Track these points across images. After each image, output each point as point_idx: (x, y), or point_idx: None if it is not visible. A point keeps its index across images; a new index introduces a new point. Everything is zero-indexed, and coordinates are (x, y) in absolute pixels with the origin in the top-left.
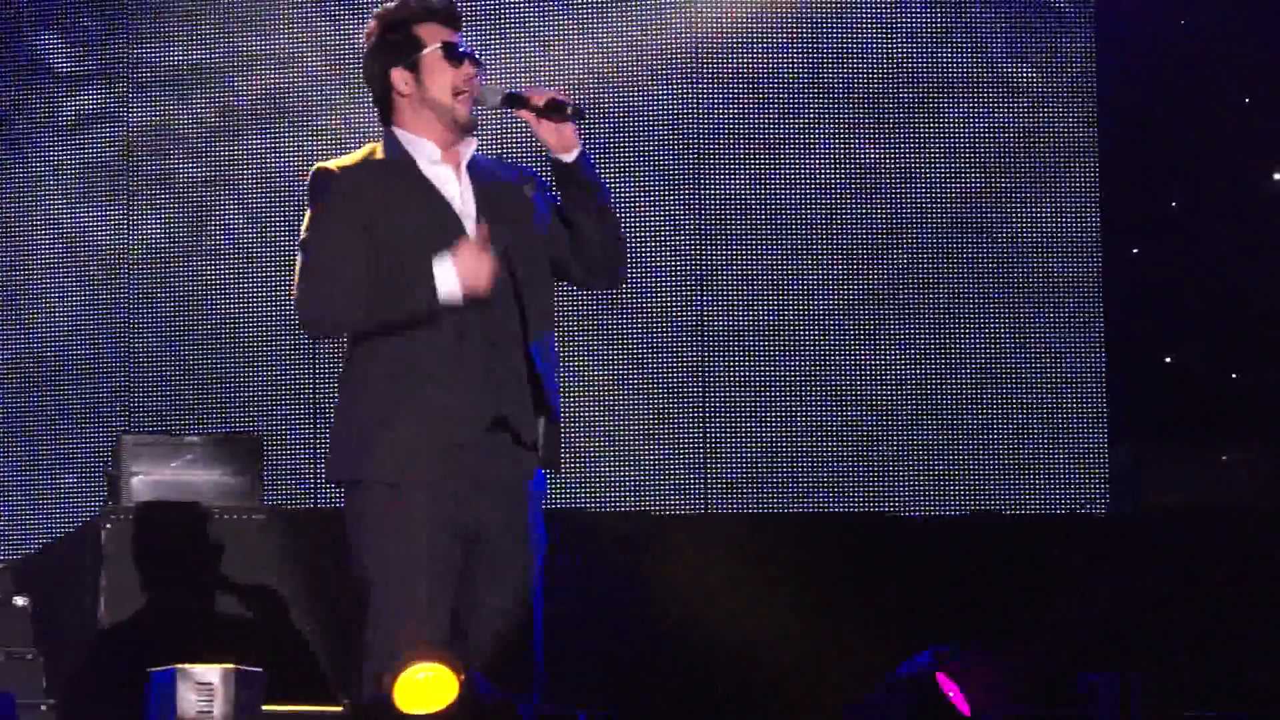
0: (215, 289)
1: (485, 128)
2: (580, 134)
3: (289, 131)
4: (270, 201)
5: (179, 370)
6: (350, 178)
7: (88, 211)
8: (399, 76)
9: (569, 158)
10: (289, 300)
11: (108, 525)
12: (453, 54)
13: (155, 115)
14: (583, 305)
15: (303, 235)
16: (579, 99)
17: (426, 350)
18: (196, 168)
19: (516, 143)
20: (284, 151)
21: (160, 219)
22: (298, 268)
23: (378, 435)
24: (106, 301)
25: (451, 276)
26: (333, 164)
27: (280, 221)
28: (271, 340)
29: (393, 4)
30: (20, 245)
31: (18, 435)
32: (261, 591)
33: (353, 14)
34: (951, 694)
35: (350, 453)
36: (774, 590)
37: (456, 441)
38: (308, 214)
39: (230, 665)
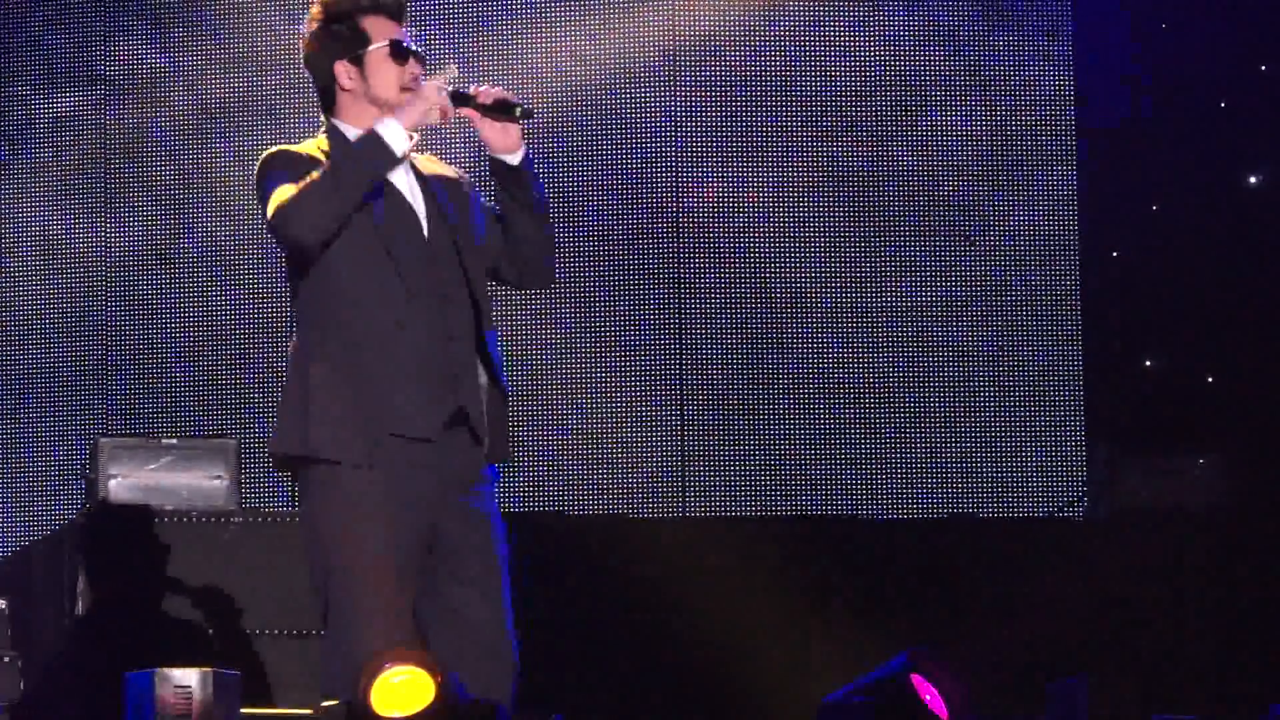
0: (194, 291)
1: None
2: (524, 135)
3: (269, 133)
4: (249, 204)
5: (157, 373)
6: (306, 162)
7: (65, 213)
8: (343, 70)
9: (514, 159)
10: (263, 301)
11: (85, 527)
12: (399, 52)
13: (132, 118)
14: (555, 306)
15: (271, 191)
16: (531, 98)
17: (388, 342)
18: (174, 170)
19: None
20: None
21: (138, 221)
22: (273, 207)
23: (345, 415)
24: (85, 303)
25: (396, 126)
26: (285, 148)
27: (259, 225)
28: (250, 343)
29: None
30: None
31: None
32: (239, 594)
33: None
34: (928, 696)
35: (314, 428)
36: (752, 593)
37: (420, 435)
38: (263, 176)
39: (207, 668)
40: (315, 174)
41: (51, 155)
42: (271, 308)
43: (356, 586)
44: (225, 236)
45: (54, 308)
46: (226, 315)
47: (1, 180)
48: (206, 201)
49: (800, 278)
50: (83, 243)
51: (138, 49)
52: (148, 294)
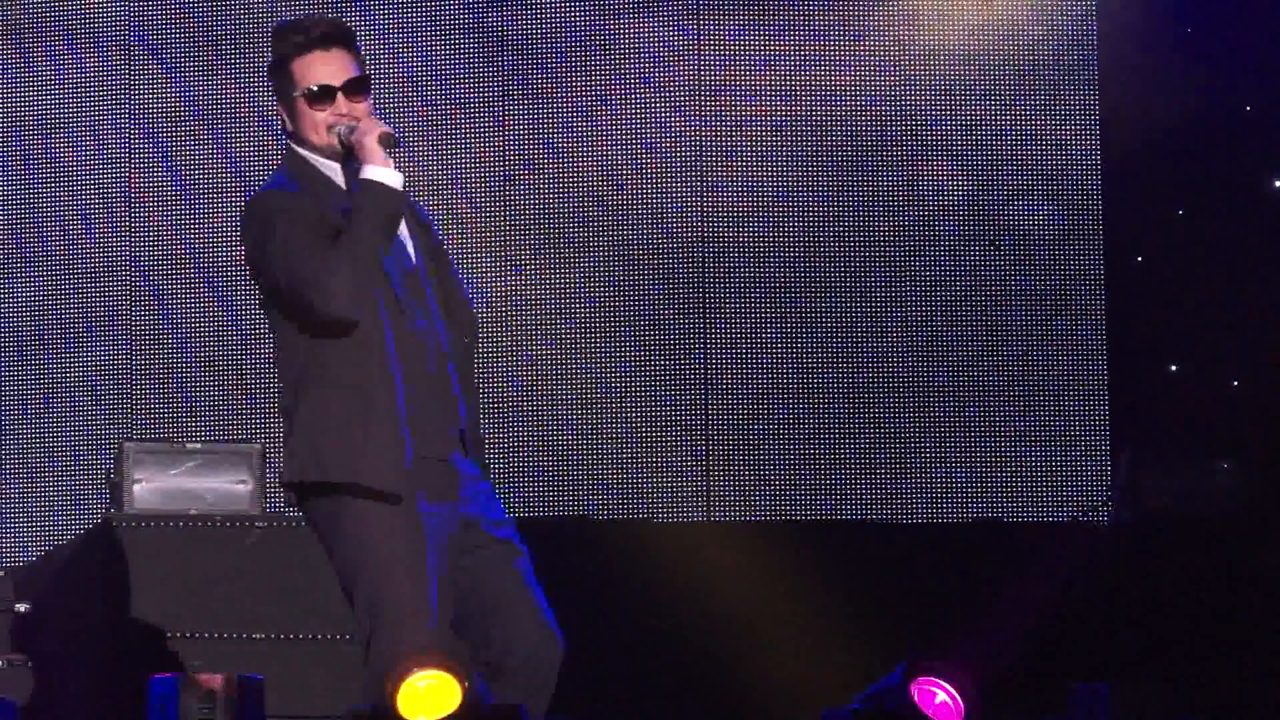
0: (219, 295)
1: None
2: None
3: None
4: None
5: (181, 377)
6: (295, 206)
7: (87, 217)
8: (282, 112)
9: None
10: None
11: (110, 532)
12: (319, 97)
13: (154, 122)
14: (576, 310)
15: (272, 256)
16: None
17: (389, 365)
18: (197, 174)
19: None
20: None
21: (162, 225)
22: (290, 272)
23: (365, 441)
24: (109, 307)
25: (376, 169)
26: (279, 196)
27: None
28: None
29: (275, 35)
30: (23, 248)
31: (21, 441)
32: (263, 599)
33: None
34: (938, 699)
35: (335, 455)
36: (774, 598)
37: (436, 454)
38: (268, 230)
39: (231, 673)
40: (341, 245)
41: (74, 159)
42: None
43: (409, 613)
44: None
45: (78, 311)
46: (251, 320)
47: (23, 184)
48: (231, 205)
49: (824, 284)
50: (106, 246)
51: (160, 52)
52: (172, 298)
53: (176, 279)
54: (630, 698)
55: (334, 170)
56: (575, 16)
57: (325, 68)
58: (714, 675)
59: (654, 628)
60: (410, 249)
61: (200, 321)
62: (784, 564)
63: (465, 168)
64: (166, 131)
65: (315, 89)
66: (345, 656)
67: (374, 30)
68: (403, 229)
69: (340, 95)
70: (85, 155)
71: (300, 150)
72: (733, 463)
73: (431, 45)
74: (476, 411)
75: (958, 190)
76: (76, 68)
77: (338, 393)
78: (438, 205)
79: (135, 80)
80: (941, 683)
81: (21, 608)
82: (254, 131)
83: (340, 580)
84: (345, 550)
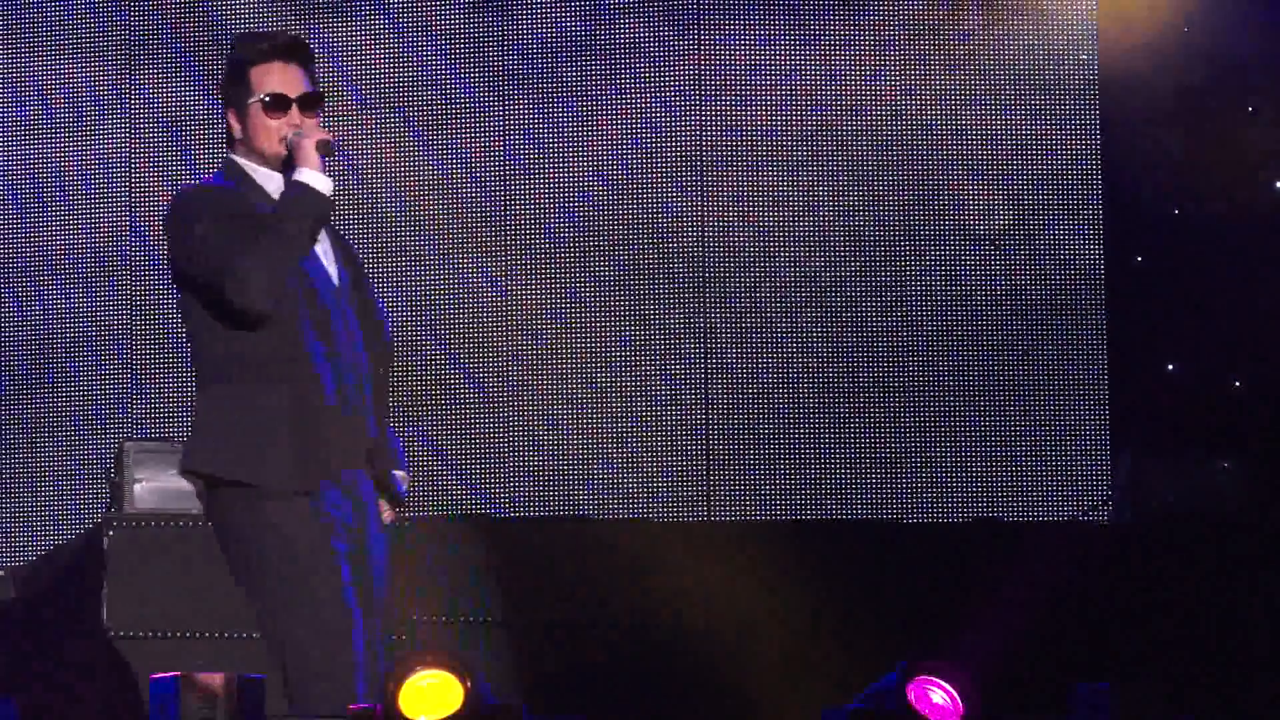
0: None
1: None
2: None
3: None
4: None
5: (182, 376)
6: (221, 199)
7: (87, 217)
8: (231, 118)
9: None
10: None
11: (110, 532)
12: (275, 104)
13: (155, 122)
14: (576, 309)
15: (192, 245)
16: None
17: (313, 368)
18: (196, 174)
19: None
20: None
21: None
22: (208, 259)
23: (285, 441)
24: (111, 306)
25: (309, 172)
26: (205, 190)
27: None
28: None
29: (238, 42)
30: (22, 247)
31: (20, 440)
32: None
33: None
34: (935, 700)
35: (241, 453)
36: (772, 598)
37: (347, 466)
38: (192, 218)
39: (232, 673)
40: (261, 238)
41: (74, 158)
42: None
43: (325, 618)
44: None
45: (78, 311)
46: None
47: (23, 184)
48: None
49: (823, 283)
50: (106, 247)
51: (160, 54)
52: (172, 298)
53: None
54: (628, 698)
55: (271, 180)
56: (571, 18)
57: (282, 78)
58: (713, 676)
59: (652, 628)
60: (334, 265)
61: None
62: (782, 564)
63: (463, 168)
64: (167, 133)
65: (272, 97)
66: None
67: (369, 32)
68: (327, 245)
69: (295, 106)
70: (85, 156)
71: (240, 160)
72: (732, 462)
73: (429, 45)
74: (384, 432)
75: (958, 190)
76: (78, 69)
77: (252, 390)
78: (436, 205)
79: (136, 82)
80: (939, 682)
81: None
82: None
83: (234, 575)
84: (242, 550)
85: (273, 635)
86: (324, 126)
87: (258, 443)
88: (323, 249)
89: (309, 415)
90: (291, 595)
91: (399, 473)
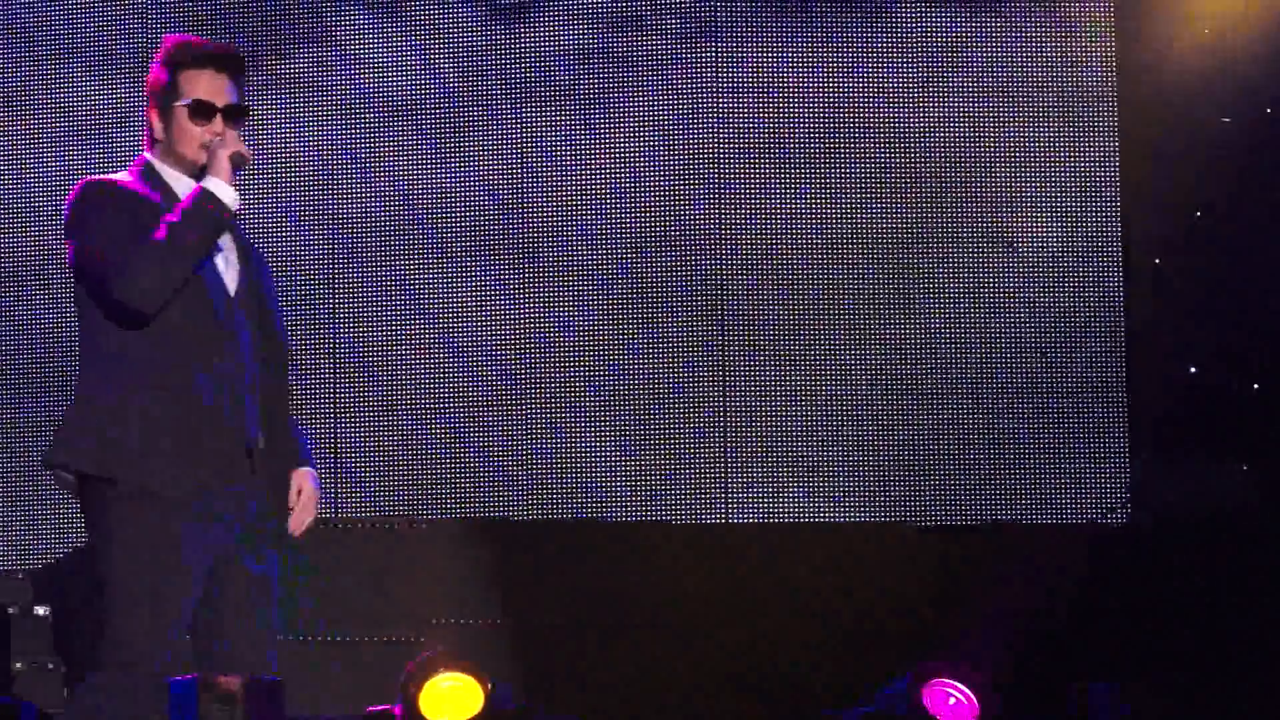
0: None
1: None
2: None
3: (309, 139)
4: (294, 208)
5: None
6: (131, 203)
7: None
8: (154, 118)
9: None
10: (311, 303)
11: None
12: (200, 110)
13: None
14: (582, 311)
15: (87, 237)
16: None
17: (195, 376)
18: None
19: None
20: (303, 159)
21: None
22: (103, 253)
23: (157, 446)
24: None
25: (216, 181)
26: (106, 182)
27: (303, 227)
28: (290, 350)
29: (171, 44)
30: (40, 249)
31: (40, 442)
32: (282, 600)
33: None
34: (951, 700)
35: (115, 448)
36: (786, 601)
37: (226, 480)
38: (92, 210)
39: (250, 675)
40: (154, 238)
41: (84, 156)
42: (318, 309)
43: (141, 617)
44: (272, 239)
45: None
46: None
47: (52, 182)
48: (250, 205)
49: (841, 286)
50: None
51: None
52: None
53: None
54: (642, 699)
55: (181, 183)
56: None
57: (210, 86)
58: (727, 677)
59: (669, 629)
60: (234, 276)
61: None
62: (800, 566)
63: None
64: None
65: (197, 103)
66: (365, 657)
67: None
68: (230, 253)
69: (220, 116)
70: (91, 154)
71: (156, 161)
72: (744, 464)
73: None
74: (287, 434)
75: (977, 192)
76: (83, 72)
77: (131, 392)
78: (471, 210)
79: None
80: (955, 683)
81: (41, 610)
82: (260, 138)
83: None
84: (99, 545)
85: (101, 626)
86: (242, 138)
87: (129, 444)
88: (224, 256)
89: (184, 422)
90: (126, 596)
91: (304, 469)
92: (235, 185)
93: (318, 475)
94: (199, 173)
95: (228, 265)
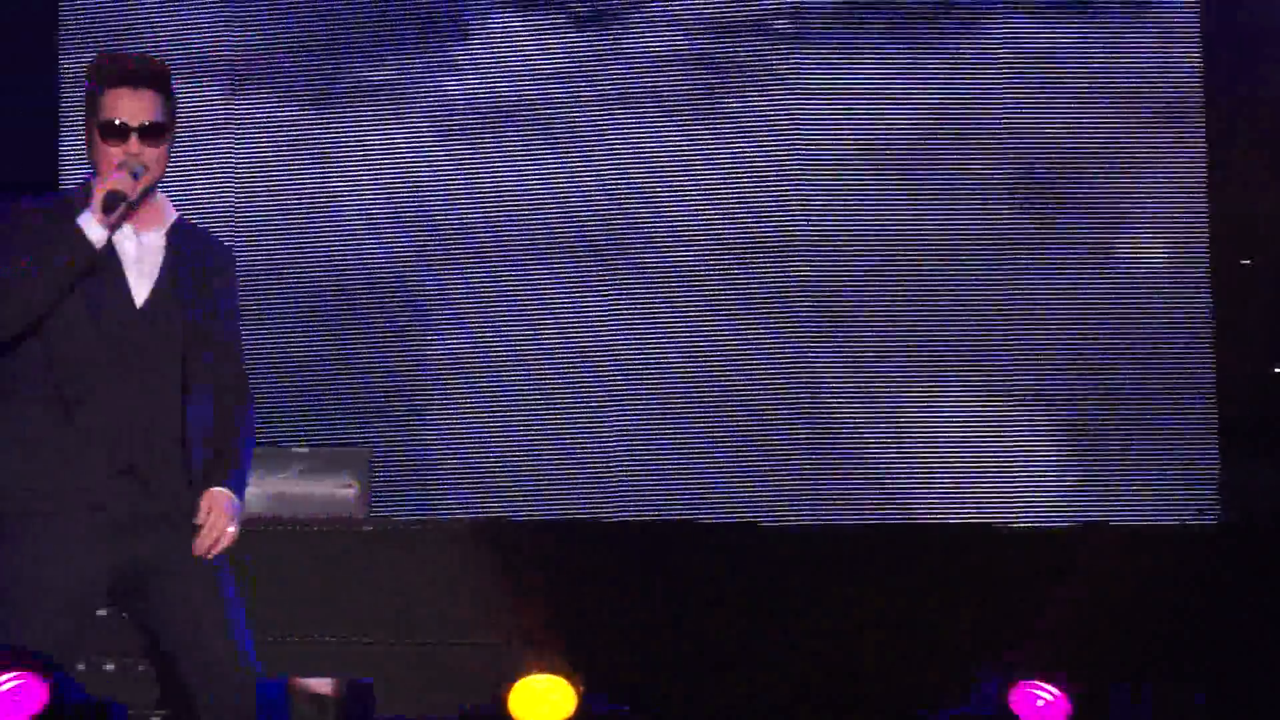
0: (322, 298)
1: None
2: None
3: (444, 139)
4: (408, 213)
5: (286, 379)
6: (26, 215)
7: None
8: (86, 135)
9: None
10: (396, 307)
11: None
12: (109, 130)
13: (258, 110)
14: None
15: None
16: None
17: (63, 400)
18: (302, 191)
19: None
20: (420, 158)
21: (264, 223)
22: None
23: (20, 463)
24: None
25: (86, 216)
26: (18, 200)
27: (414, 235)
28: (379, 350)
29: (95, 61)
30: None
31: None
32: (370, 604)
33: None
34: (1034, 713)
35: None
36: (869, 602)
37: (110, 498)
38: None
39: (340, 677)
40: (18, 267)
41: (179, 178)
42: (403, 316)
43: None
44: (357, 241)
45: None
46: (357, 322)
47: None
48: (334, 207)
49: (926, 286)
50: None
51: (270, 78)
52: (279, 300)
53: (281, 280)
54: (736, 700)
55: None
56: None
57: (130, 105)
58: (825, 676)
59: (763, 630)
60: (145, 287)
61: (305, 321)
62: (876, 567)
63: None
64: (272, 150)
65: (110, 124)
66: (456, 659)
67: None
68: (148, 264)
69: (134, 136)
70: (190, 174)
71: (93, 181)
72: (839, 462)
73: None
74: (221, 458)
75: (1057, 186)
76: (187, 89)
77: (4, 407)
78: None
79: (241, 102)
80: (1043, 685)
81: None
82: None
83: None
84: None
85: None
86: (160, 160)
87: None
88: (138, 269)
89: (52, 440)
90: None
91: (217, 490)
92: (109, 221)
93: (237, 500)
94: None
95: (140, 277)
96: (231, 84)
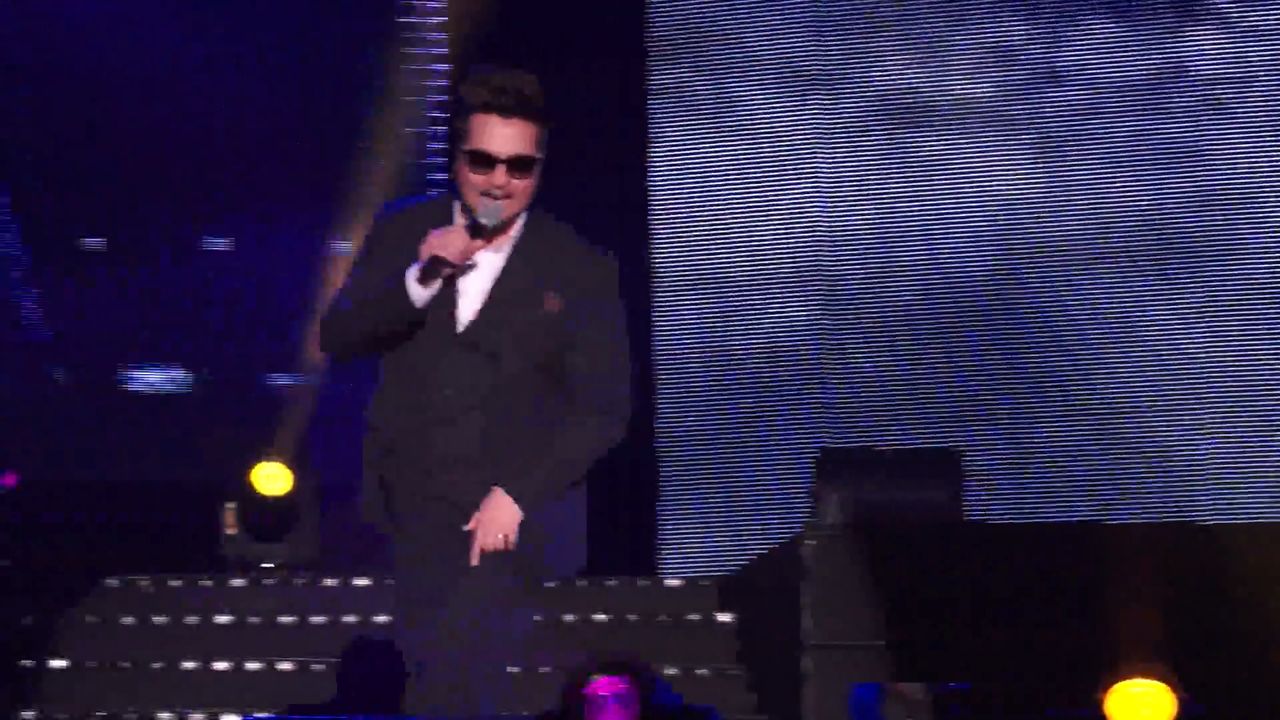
0: (914, 299)
1: None
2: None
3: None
4: (980, 212)
5: (874, 382)
6: (395, 231)
7: (787, 239)
8: (453, 159)
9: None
10: (956, 307)
11: (810, 542)
12: (476, 160)
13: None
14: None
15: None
16: None
17: (413, 391)
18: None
19: None
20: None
21: (848, 225)
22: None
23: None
24: (809, 313)
25: (411, 275)
26: (393, 212)
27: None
28: (972, 351)
29: (467, 77)
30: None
31: (726, 450)
32: (965, 609)
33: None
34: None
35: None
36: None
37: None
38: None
39: (935, 682)
40: (339, 307)
41: (775, 191)
42: (972, 309)
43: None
44: (946, 237)
45: (780, 317)
46: (950, 323)
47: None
48: (902, 211)
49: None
50: (800, 262)
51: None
52: (863, 302)
53: (871, 282)
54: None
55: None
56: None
57: (501, 131)
58: None
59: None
60: (466, 314)
61: (898, 325)
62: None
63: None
64: (853, 166)
65: (477, 152)
66: (1056, 662)
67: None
68: (471, 299)
69: (502, 167)
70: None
71: (456, 200)
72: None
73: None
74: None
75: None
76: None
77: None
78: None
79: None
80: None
81: (725, 618)
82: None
83: None
84: None
85: None
86: (523, 200)
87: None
88: (464, 302)
89: (411, 429)
90: None
91: (497, 493)
92: (432, 284)
93: (517, 509)
94: (474, 224)
95: (465, 297)
96: (817, 90)
